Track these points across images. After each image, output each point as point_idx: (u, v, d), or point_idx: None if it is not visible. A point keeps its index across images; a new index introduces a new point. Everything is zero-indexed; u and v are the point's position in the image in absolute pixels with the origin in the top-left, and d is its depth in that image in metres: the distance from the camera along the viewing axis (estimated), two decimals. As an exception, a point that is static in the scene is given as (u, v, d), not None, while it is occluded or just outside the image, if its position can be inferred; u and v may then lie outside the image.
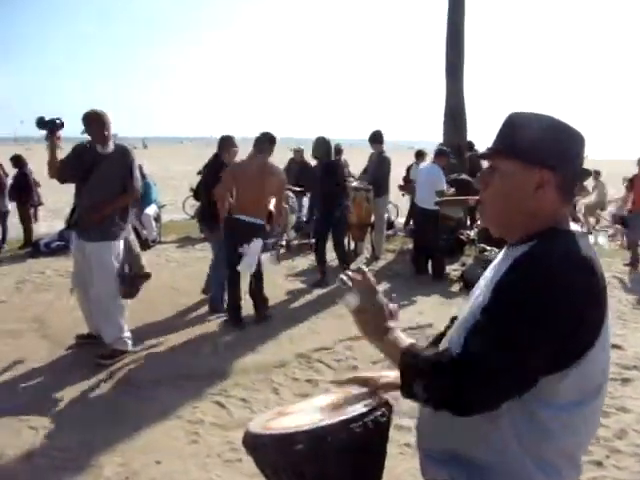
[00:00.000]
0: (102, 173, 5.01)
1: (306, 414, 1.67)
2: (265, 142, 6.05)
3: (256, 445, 1.60)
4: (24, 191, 10.84)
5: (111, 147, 5.10)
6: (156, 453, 3.67)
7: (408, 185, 11.11)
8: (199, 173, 8.10)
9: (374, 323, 1.52)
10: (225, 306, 6.38)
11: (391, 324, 1.52)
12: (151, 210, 10.51)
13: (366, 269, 1.62)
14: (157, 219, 10.78)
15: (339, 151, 8.69)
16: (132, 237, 5.50)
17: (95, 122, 4.99)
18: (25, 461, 3.61)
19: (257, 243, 5.84)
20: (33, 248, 9.78)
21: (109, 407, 4.31)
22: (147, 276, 5.51)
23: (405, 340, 1.46)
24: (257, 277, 6.11)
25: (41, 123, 4.96)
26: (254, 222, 5.90)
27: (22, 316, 6.14)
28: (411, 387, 1.36)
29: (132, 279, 5.32)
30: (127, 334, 5.26)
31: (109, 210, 5.01)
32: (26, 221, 10.74)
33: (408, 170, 12.02)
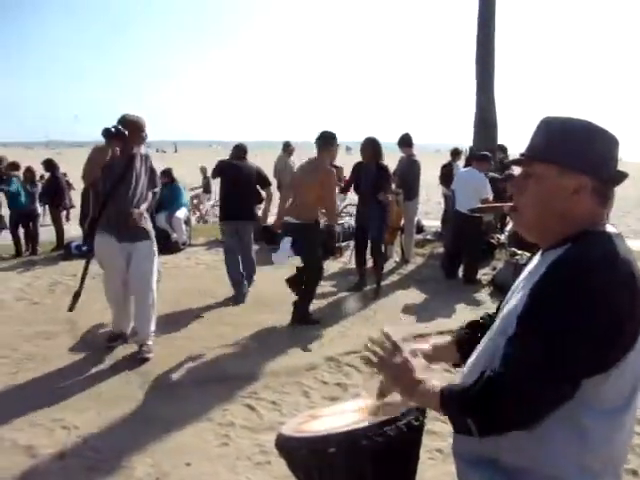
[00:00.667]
0: (137, 175, 5.17)
1: (339, 417, 1.66)
2: (318, 141, 6.13)
3: (289, 448, 1.60)
4: (56, 194, 11.02)
5: (142, 150, 5.23)
6: (186, 455, 3.68)
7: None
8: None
9: (405, 379, 1.51)
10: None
11: (422, 377, 1.49)
12: (181, 213, 10.59)
13: (389, 333, 1.62)
14: (187, 222, 10.86)
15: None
16: None
17: (132, 125, 5.09)
18: (58, 460, 3.64)
19: (286, 240, 5.94)
20: (65, 251, 9.92)
21: (140, 408, 4.34)
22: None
23: (437, 386, 1.44)
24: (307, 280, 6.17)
25: (108, 133, 4.93)
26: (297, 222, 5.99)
27: (54, 317, 6.21)
28: (465, 424, 1.34)
29: None
30: (155, 328, 5.51)
31: (146, 209, 5.30)
32: (58, 224, 10.91)
33: (445, 168, 11.72)
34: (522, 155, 1.50)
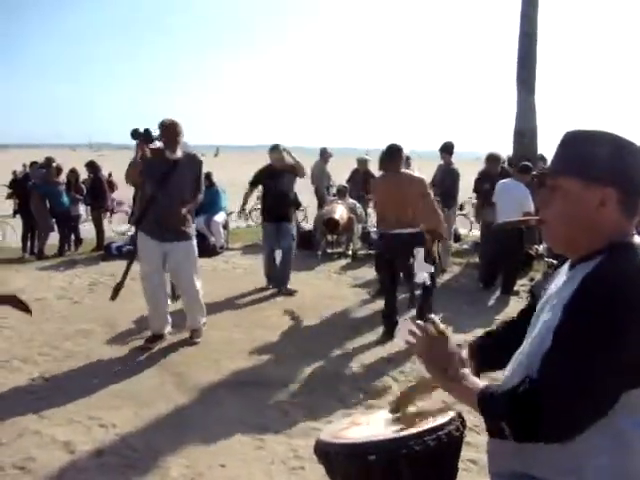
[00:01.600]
0: (179, 178, 5.29)
1: (379, 425, 1.65)
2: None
3: (328, 453, 1.59)
4: (98, 196, 11.22)
5: (179, 153, 5.35)
6: (221, 457, 3.70)
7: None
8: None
9: (446, 370, 1.51)
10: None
11: (464, 370, 1.50)
12: (220, 217, 10.68)
13: (437, 320, 1.62)
14: (225, 226, 10.94)
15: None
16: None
17: (169, 129, 5.24)
18: (95, 458, 3.70)
19: (419, 251, 5.84)
20: (105, 251, 10.09)
21: (175, 409, 4.38)
22: None
23: (479, 383, 1.44)
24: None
25: (135, 134, 5.20)
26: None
27: (94, 317, 6.32)
28: (500, 427, 1.33)
29: None
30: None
31: (187, 212, 5.48)
32: (98, 225, 11.10)
33: (482, 175, 11.51)
34: (546, 169, 1.53)
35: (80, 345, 5.60)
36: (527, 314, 1.63)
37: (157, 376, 4.94)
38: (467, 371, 1.50)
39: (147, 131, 5.20)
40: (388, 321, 5.97)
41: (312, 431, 4.00)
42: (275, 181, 7.51)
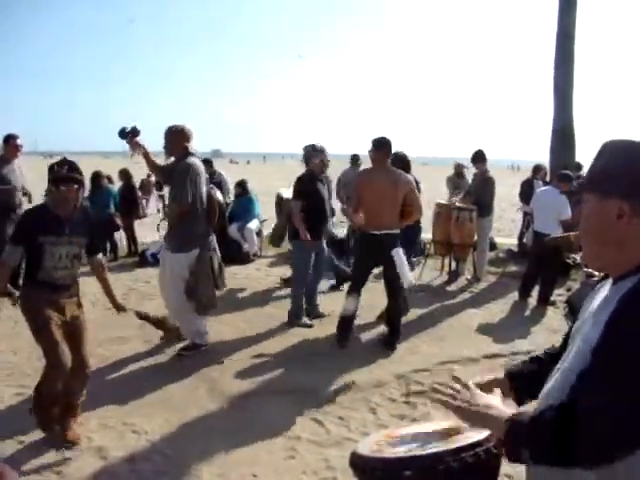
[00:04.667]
0: (173, 185, 5.34)
1: (416, 439, 1.61)
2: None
3: (364, 467, 1.56)
4: (130, 203, 11.35)
5: (186, 160, 5.27)
6: (253, 466, 3.68)
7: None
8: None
9: (474, 406, 1.48)
10: (305, 320, 6.59)
11: (492, 402, 1.47)
12: (253, 224, 10.70)
13: (459, 377, 1.63)
14: (259, 233, 10.96)
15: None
16: (208, 258, 5.48)
17: (171, 135, 5.34)
18: (127, 464, 3.72)
19: (399, 251, 5.68)
20: (140, 258, 10.17)
21: (207, 417, 4.38)
22: (207, 306, 5.57)
23: (508, 412, 1.41)
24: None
25: (123, 133, 5.34)
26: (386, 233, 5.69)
27: (128, 323, 6.34)
28: (518, 452, 1.31)
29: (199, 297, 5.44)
30: (203, 329, 5.62)
31: (171, 222, 5.44)
32: (130, 232, 11.23)
33: (525, 186, 11.38)
34: (578, 183, 1.53)
35: (113, 351, 5.64)
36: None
37: (189, 384, 4.95)
38: (498, 402, 1.48)
39: (134, 128, 5.34)
40: (342, 328, 5.95)
41: (344, 441, 3.97)
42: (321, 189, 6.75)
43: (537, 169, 11.17)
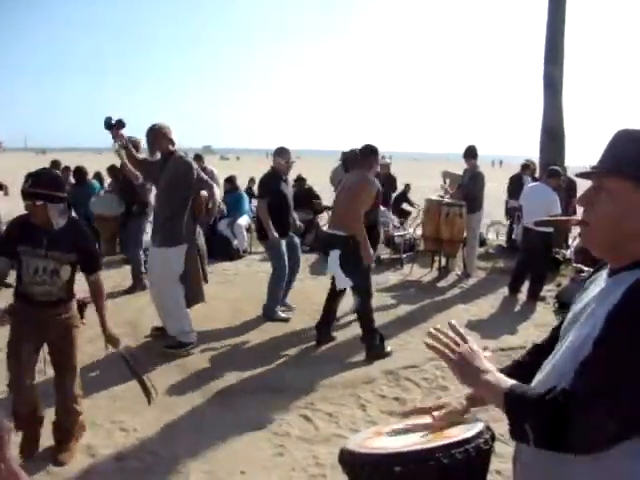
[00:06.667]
0: (162, 181, 5.43)
1: (405, 435, 1.60)
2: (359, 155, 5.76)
3: (354, 464, 1.54)
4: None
5: (179, 157, 5.45)
6: (241, 463, 3.66)
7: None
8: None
9: (470, 366, 1.47)
10: (280, 314, 6.65)
11: (488, 366, 1.46)
12: (243, 220, 10.67)
13: (455, 324, 1.60)
14: (249, 230, 10.92)
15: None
16: (196, 252, 5.70)
17: (152, 134, 5.45)
18: (115, 462, 3.70)
19: (333, 254, 5.45)
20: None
21: (196, 415, 4.36)
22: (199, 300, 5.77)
23: (507, 381, 1.39)
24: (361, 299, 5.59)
25: (108, 124, 5.39)
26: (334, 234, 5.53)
27: (116, 320, 6.28)
28: (523, 429, 1.29)
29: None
30: (189, 328, 5.59)
31: (160, 217, 5.47)
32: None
33: (514, 181, 11.43)
34: (593, 168, 1.42)
35: (102, 349, 5.57)
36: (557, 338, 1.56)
37: (178, 381, 4.92)
38: (493, 368, 1.47)
39: (119, 120, 5.42)
40: (319, 331, 5.91)
41: (334, 438, 3.96)
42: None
43: (526, 166, 11.22)
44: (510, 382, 1.38)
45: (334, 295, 5.83)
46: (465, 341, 1.53)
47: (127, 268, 9.24)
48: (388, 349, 5.55)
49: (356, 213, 5.27)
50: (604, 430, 1.20)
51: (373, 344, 5.49)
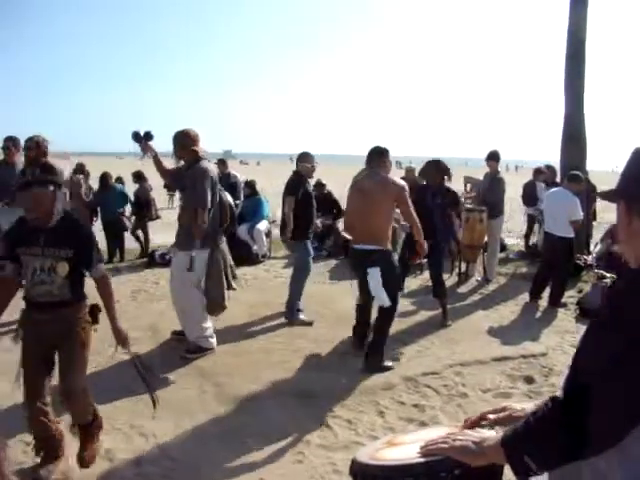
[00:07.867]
0: (189, 188, 5.46)
1: (418, 446, 1.58)
2: (371, 155, 5.58)
3: (364, 475, 1.52)
4: (144, 205, 11.37)
5: (200, 164, 5.44)
6: (260, 469, 3.66)
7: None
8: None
9: (465, 448, 1.45)
10: (300, 316, 6.71)
11: (485, 436, 1.45)
12: (263, 225, 10.69)
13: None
14: (268, 234, 10.94)
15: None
16: (220, 258, 5.62)
17: (178, 139, 5.50)
18: (134, 467, 3.70)
19: (373, 272, 5.21)
20: (149, 259, 10.18)
21: (215, 420, 4.36)
22: (220, 307, 5.71)
23: (498, 435, 1.40)
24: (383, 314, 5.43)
25: (137, 136, 5.55)
26: (365, 248, 5.31)
27: (136, 324, 6.34)
28: (525, 465, 1.29)
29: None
30: (209, 333, 5.65)
31: (182, 222, 5.53)
32: (143, 233, 11.25)
33: (527, 188, 11.46)
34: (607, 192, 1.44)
35: (123, 352, 5.62)
36: None
37: (197, 386, 4.93)
38: (488, 433, 1.47)
39: (147, 132, 5.55)
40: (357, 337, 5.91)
41: (353, 445, 3.93)
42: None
43: (538, 171, 11.16)
44: (500, 434, 1.39)
45: (365, 307, 5.79)
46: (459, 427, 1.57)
47: (148, 272, 9.33)
48: (390, 364, 5.39)
49: (386, 224, 5.35)
50: (604, 423, 1.19)
51: (376, 357, 5.34)
